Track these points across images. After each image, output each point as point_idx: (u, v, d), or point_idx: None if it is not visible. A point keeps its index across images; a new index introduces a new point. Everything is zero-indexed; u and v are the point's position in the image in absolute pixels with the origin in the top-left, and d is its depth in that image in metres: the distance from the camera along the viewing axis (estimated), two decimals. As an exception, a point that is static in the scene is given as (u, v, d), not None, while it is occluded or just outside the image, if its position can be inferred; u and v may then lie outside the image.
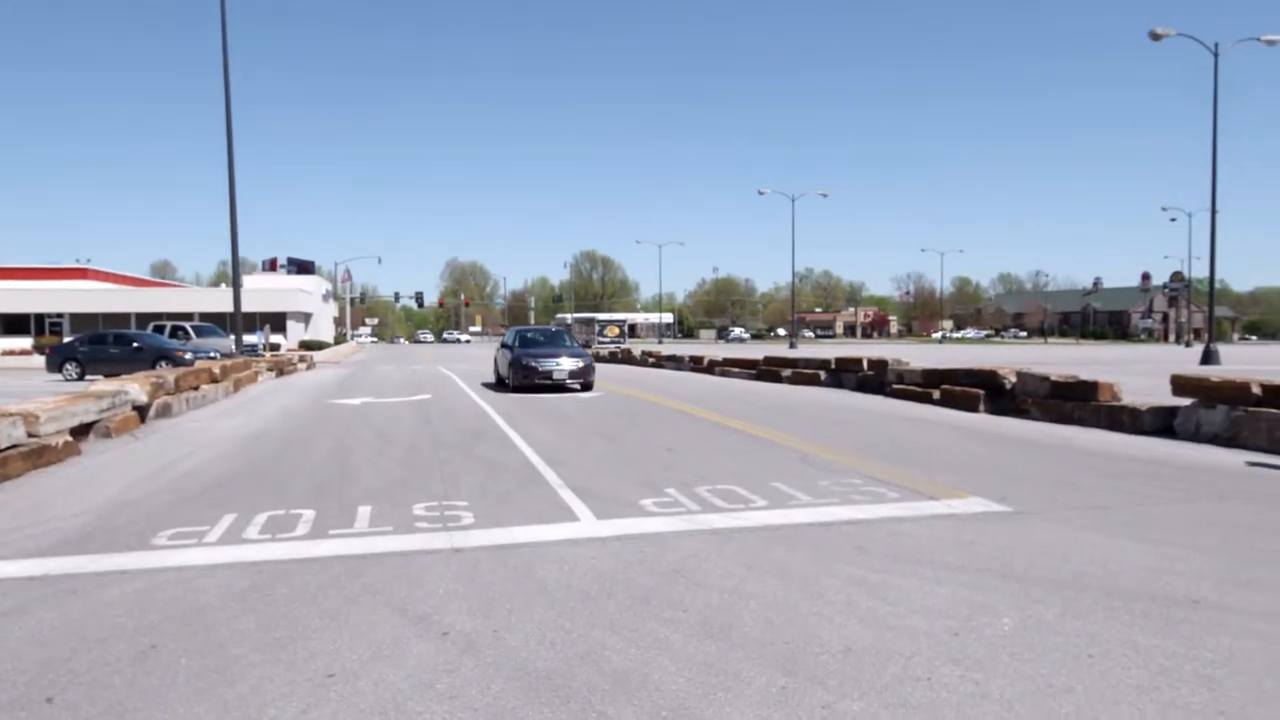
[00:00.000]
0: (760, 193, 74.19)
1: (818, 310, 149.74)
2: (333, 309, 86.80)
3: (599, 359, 42.39)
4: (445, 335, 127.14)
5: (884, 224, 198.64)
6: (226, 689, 3.97)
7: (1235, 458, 10.55)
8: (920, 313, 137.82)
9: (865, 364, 21.52)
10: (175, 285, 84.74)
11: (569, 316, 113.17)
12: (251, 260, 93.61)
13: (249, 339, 41.80)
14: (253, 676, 4.10)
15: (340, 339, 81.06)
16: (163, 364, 26.09)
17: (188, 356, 26.66)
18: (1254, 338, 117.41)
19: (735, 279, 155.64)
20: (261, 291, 63.62)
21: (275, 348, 46.79)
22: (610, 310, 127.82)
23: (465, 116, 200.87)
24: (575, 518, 7.37)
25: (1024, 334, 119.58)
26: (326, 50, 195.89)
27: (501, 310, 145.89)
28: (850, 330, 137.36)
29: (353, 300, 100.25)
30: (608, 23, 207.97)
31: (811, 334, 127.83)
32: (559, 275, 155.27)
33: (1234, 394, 11.82)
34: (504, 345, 22.90)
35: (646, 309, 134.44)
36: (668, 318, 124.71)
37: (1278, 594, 5.27)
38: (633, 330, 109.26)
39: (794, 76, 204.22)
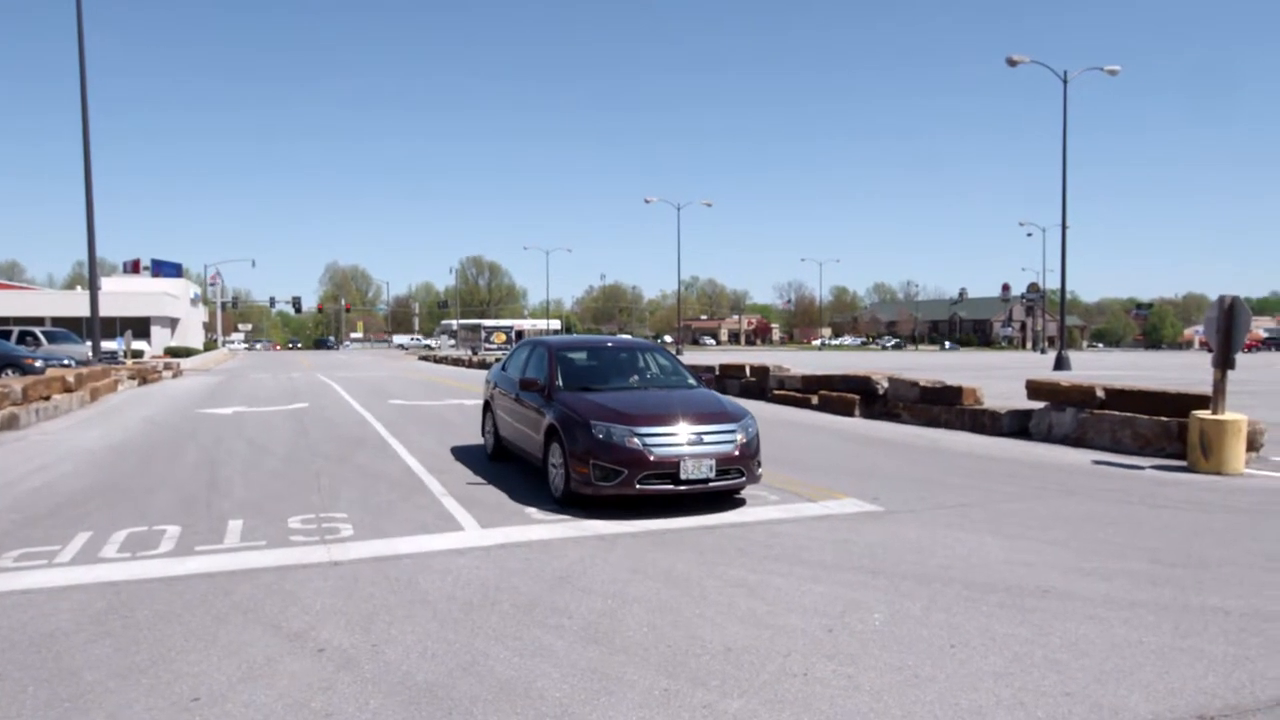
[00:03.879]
0: (646, 201, 74.98)
1: (703, 317, 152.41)
2: (202, 314, 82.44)
3: (484, 366, 41.87)
4: (324, 342, 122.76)
5: (767, 234, 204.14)
6: (80, 718, 3.73)
7: (1082, 456, 11.36)
8: (801, 320, 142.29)
9: (748, 370, 22.06)
10: (24, 287, 78.63)
11: (454, 323, 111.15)
12: (111, 261, 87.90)
13: (108, 345, 39.20)
14: (109, 704, 3.86)
15: (211, 345, 77.10)
16: (9, 372, 24.16)
17: (38, 364, 24.76)
18: (1100, 345, 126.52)
19: (623, 286, 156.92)
20: (122, 295, 59.76)
21: (138, 354, 44.06)
22: (497, 317, 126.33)
23: (345, 118, 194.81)
24: (459, 527, 7.26)
25: (897, 341, 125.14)
26: (194, 47, 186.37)
27: (384, 316, 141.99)
28: (735, 337, 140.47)
29: (224, 305, 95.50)
30: (493, 26, 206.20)
31: (712, 341, 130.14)
32: (445, 281, 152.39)
33: (1081, 397, 12.74)
34: (521, 378, 9.58)
35: (534, 315, 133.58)
36: (555, 324, 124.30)
37: (1117, 581, 5.72)
38: (520, 336, 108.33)
39: (678, 83, 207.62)
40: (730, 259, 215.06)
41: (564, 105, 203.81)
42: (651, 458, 7.41)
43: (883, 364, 36.41)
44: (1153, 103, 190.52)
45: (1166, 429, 11.31)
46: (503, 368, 10.84)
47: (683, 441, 7.55)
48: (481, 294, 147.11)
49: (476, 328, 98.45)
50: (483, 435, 11.45)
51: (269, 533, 7.01)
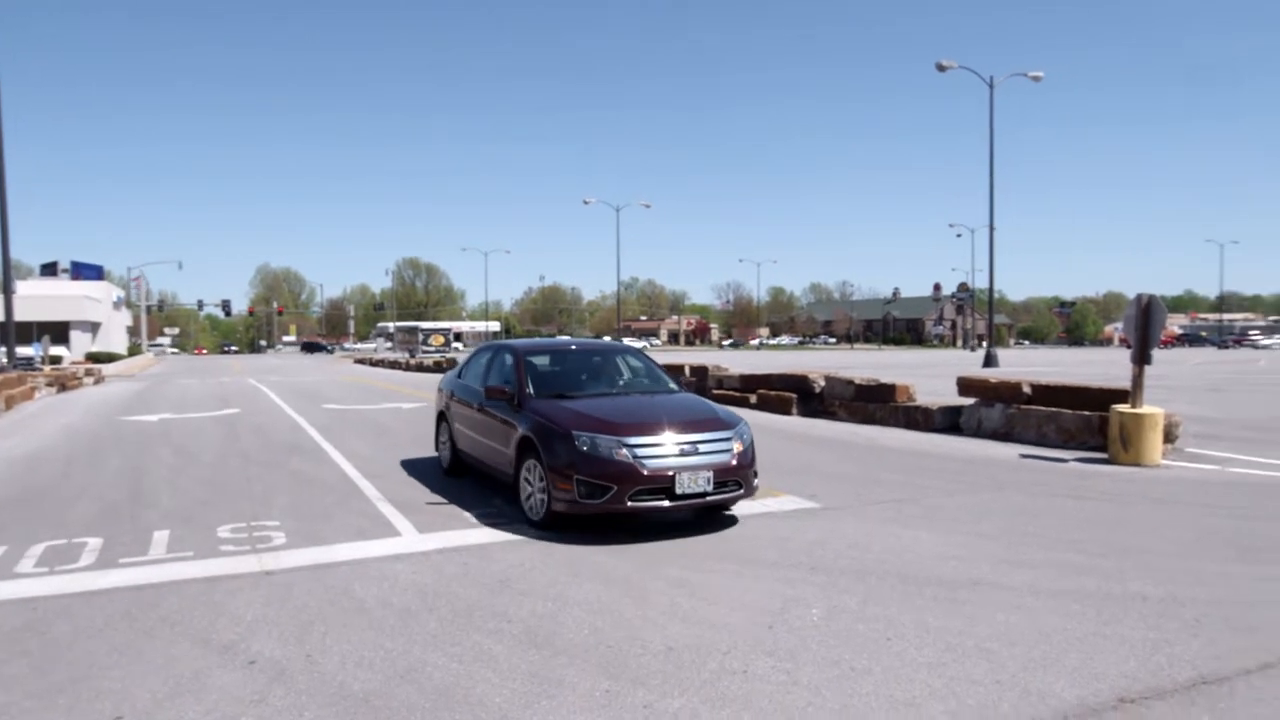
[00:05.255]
0: (585, 202, 74.90)
1: (643, 318, 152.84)
2: (126, 318, 79.55)
3: (422, 369, 41.30)
4: (256, 345, 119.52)
5: (705, 235, 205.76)
6: (-7, 742, 3.56)
7: (1010, 451, 11.71)
8: (739, 320, 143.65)
9: (688, 370, 22.17)
10: (-70, 291, 74.90)
11: (391, 325, 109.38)
12: (27, 263, 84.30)
13: (24, 351, 37.56)
14: (26, 725, 3.70)
15: (135, 350, 74.41)
16: (-86, 380, 22.95)
17: (-54, 371, 23.60)
18: (1027, 342, 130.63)
19: (562, 287, 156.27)
20: (39, 298, 57.28)
21: (56, 360, 42.27)
22: (435, 319, 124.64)
23: (275, 119, 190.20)
24: (396, 533, 7.14)
25: (833, 340, 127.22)
26: (116, 51, 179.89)
27: (318, 319, 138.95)
28: (674, 338, 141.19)
29: (149, 308, 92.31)
30: (425, 27, 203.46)
31: (651, 343, 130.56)
32: (380, 283, 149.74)
33: (1009, 394, 13.13)
34: (485, 386, 8.66)
35: (473, 317, 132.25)
36: (495, 326, 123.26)
37: (1044, 571, 5.91)
38: (459, 339, 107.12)
39: (615, 85, 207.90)
40: (669, 260, 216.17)
41: (501, 106, 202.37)
42: (643, 471, 6.64)
43: (819, 363, 36.98)
44: (1077, 106, 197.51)
45: (1089, 423, 11.72)
46: (459, 374, 9.94)
47: (676, 452, 6.82)
48: (419, 296, 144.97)
49: (414, 330, 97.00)
50: (437, 448, 10.32)
51: (197, 543, 6.80)
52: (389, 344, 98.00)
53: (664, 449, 6.82)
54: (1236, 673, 4.15)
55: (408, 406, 19.57)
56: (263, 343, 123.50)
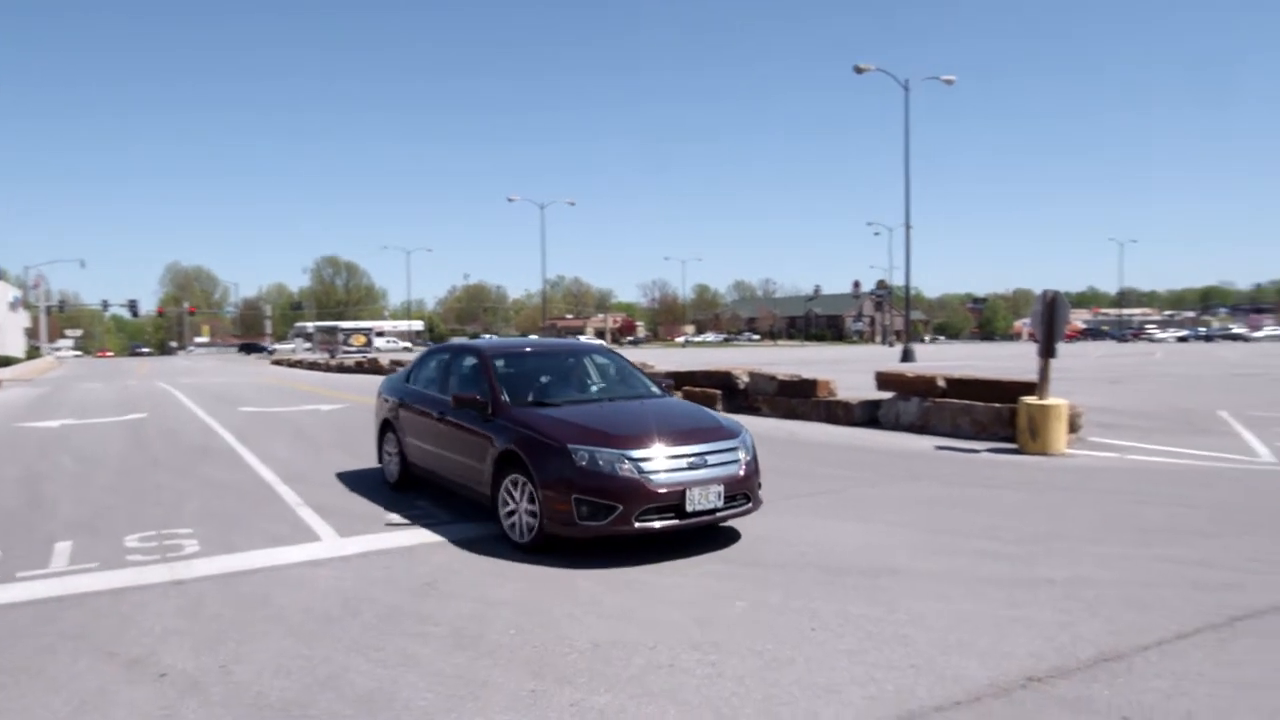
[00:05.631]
0: (509, 200, 74.28)
1: (569, 316, 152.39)
2: (24, 319, 75.49)
3: (344, 369, 40.34)
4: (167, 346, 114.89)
5: (631, 232, 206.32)
6: (-123, 770, 3.35)
7: (927, 442, 12.08)
8: (665, 318, 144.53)
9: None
10: None
11: (310, 325, 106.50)
12: (-90, 262, 79.11)
13: (-92, 355, 35.28)
14: (-86, 751, 3.49)
15: (34, 353, 70.73)
16: None
17: None
18: (942, 337, 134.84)
19: (487, 285, 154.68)
20: (-75, 299, 53.94)
21: (-56, 365, 39.89)
22: (356, 318, 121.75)
23: (184, 114, 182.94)
24: (316, 537, 6.97)
25: (757, 337, 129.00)
26: (8, 41, 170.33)
27: (232, 319, 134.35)
28: (600, 335, 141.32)
29: (49, 309, 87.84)
30: (347, 24, 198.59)
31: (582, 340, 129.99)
32: (298, 281, 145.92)
33: (924, 387, 13.54)
34: (455, 394, 7.52)
35: (395, 317, 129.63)
36: (418, 325, 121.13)
37: (959, 559, 6.12)
38: (381, 338, 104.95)
39: (537, 83, 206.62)
40: (595, 258, 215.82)
41: (422, 104, 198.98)
42: (651, 487, 6.01)
43: (743, 360, 37.44)
44: (990, 107, 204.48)
45: (999, 414, 12.17)
46: (407, 379, 9.04)
47: (684, 465, 6.22)
48: (339, 295, 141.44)
49: (334, 330, 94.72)
50: (380, 460, 9.39)
51: (102, 553, 6.51)
52: (308, 344, 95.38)
53: (671, 462, 6.18)
54: (1133, 649, 4.38)
55: (328, 408, 19.10)
56: (174, 344, 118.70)
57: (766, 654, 4.40)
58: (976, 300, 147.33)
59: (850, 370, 29.83)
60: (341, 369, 40.79)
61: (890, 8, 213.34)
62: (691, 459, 6.27)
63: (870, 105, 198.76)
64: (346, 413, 17.97)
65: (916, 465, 10.24)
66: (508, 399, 7.10)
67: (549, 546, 6.32)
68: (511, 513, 6.56)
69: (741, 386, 17.05)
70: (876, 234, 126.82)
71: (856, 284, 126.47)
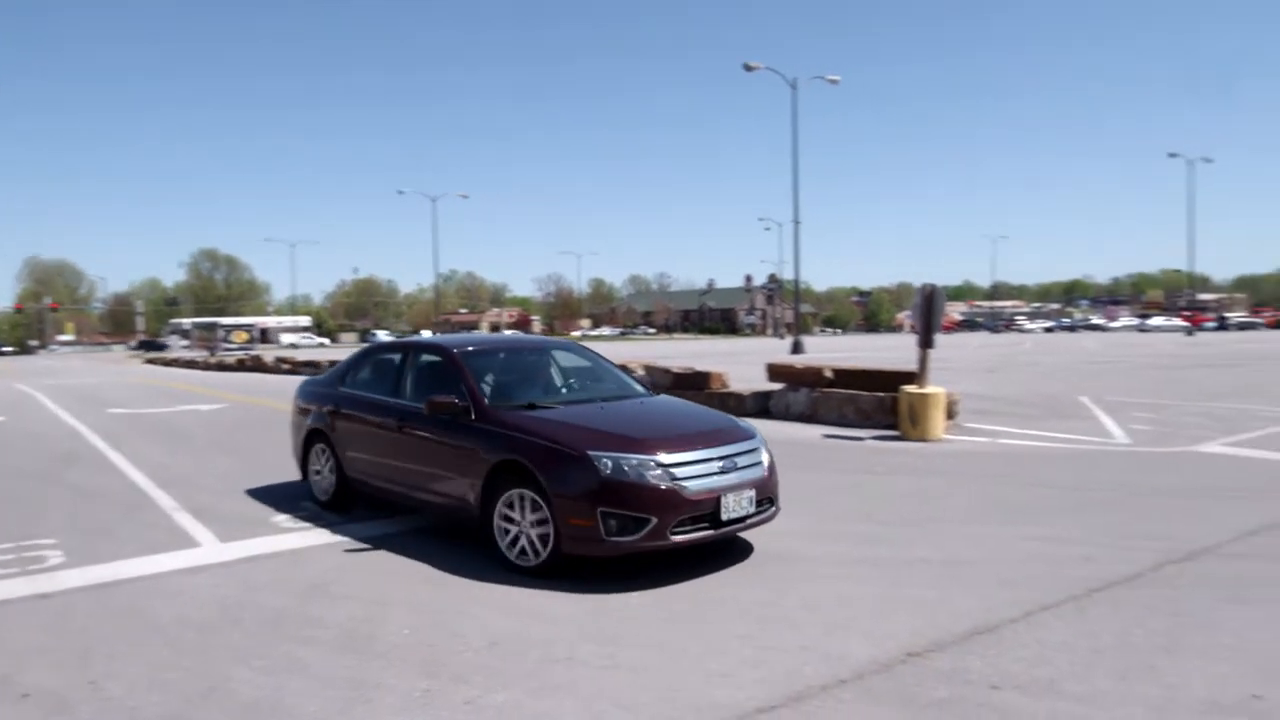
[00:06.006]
0: (399, 192, 72.58)
1: (463, 311, 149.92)
2: None
3: (224, 368, 38.56)
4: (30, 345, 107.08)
5: (525, 226, 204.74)
6: None
7: (815, 431, 12.48)
8: (561, 312, 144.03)
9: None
10: None
11: (187, 321, 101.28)
12: None
13: None
14: None
15: None
16: None
17: None
18: (830, 330, 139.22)
19: (377, 280, 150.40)
20: None
21: None
22: (238, 314, 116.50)
23: (41, 96, 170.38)
24: (195, 544, 6.67)
25: (652, 330, 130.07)
26: None
27: (100, 315, 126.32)
28: (496, 330, 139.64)
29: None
30: (228, 13, 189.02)
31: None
32: (173, 276, 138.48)
33: (813, 378, 13.98)
34: (432, 399, 6.39)
35: (280, 312, 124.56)
36: (304, 321, 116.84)
37: (845, 543, 6.37)
38: (265, 335, 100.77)
39: (430, 76, 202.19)
40: (489, 252, 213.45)
41: (309, 95, 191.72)
42: (686, 495, 5.45)
43: (639, 353, 37.72)
44: (874, 106, 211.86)
45: (882, 403, 12.68)
46: (338, 381, 7.92)
47: (716, 469, 5.69)
48: (218, 290, 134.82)
49: (213, 326, 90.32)
50: (306, 476, 8.09)
51: (-46, 569, 6.04)
52: (185, 342, 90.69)
53: (703, 466, 5.63)
54: (1003, 622, 4.66)
55: (208, 408, 18.24)
56: (34, 342, 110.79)
57: (662, 643, 4.48)
58: (862, 294, 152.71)
59: (742, 362, 30.44)
60: (223, 367, 38.98)
61: (783, 7, 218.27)
62: (722, 462, 5.75)
63: (761, 101, 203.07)
64: (227, 413, 17.21)
65: (805, 453, 10.57)
66: (488, 401, 6.36)
67: (563, 569, 5.55)
68: (513, 533, 5.74)
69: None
70: (767, 229, 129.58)
71: (749, 278, 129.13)
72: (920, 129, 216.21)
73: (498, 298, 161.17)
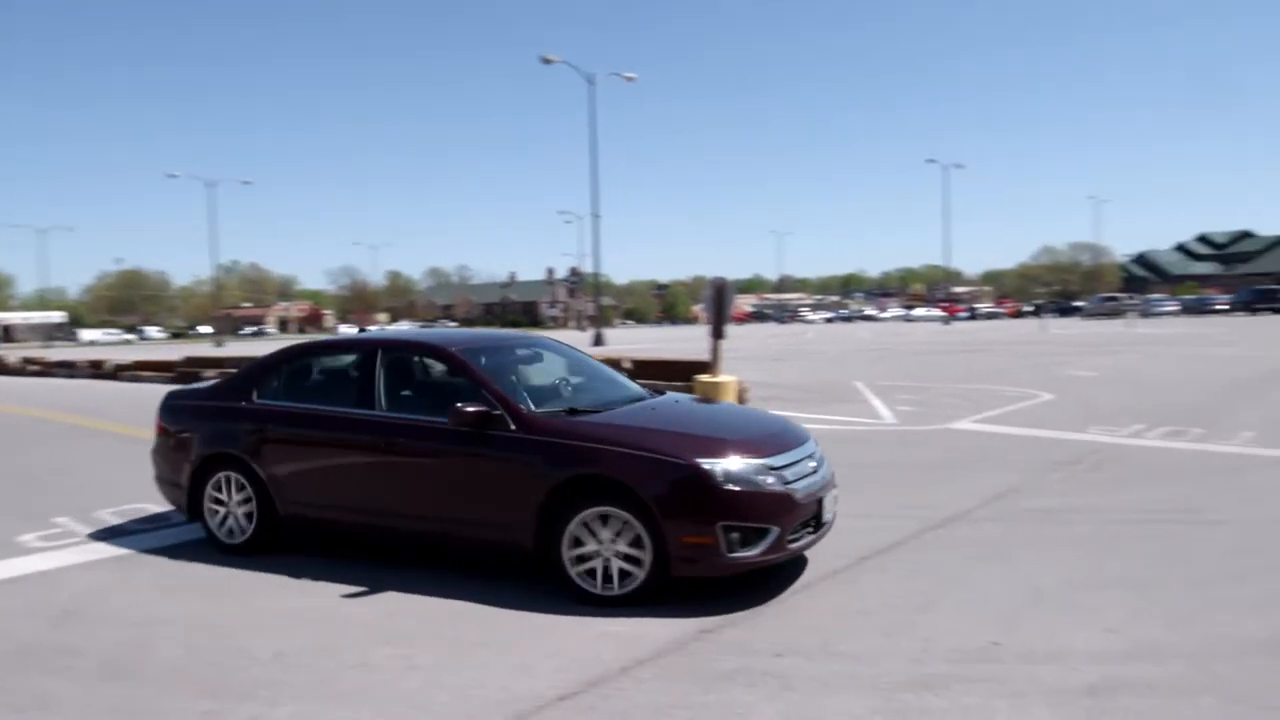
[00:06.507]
0: (171, 176, 66.56)
1: (247, 305, 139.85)
2: None
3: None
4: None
5: (315, 216, 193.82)
6: None
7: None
8: (356, 306, 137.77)
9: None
10: None
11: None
12: None
13: None
14: None
15: None
16: None
17: None
18: (631, 322, 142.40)
19: (145, 272, 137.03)
20: None
21: None
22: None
23: None
24: (-82, 573, 5.83)
25: (454, 324, 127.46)
26: None
27: None
28: (284, 326, 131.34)
29: None
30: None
31: (272, 330, 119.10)
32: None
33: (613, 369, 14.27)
34: (461, 407, 5.24)
35: (28, 307, 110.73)
36: (58, 316, 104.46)
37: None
38: (9, 333, 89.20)
39: (206, 61, 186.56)
40: (277, 243, 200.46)
41: (59, 67, 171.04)
42: (798, 498, 5.03)
43: (440, 347, 36.96)
44: (669, 102, 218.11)
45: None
46: (246, 392, 6.33)
47: (811, 469, 5.30)
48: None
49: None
50: (203, 515, 6.28)
51: None
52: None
53: (802, 467, 5.23)
54: (788, 594, 5.00)
55: (-68, 418, 15.92)
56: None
57: (458, 640, 4.44)
58: (660, 287, 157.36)
59: (546, 355, 30.48)
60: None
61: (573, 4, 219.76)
62: (814, 461, 5.40)
63: (562, 96, 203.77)
64: (-41, 422, 15.11)
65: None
66: (532, 408, 5.46)
67: (654, 594, 4.87)
68: (588, 559, 4.95)
69: (436, 375, 16.80)
70: (568, 222, 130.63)
71: (550, 271, 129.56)
72: (714, 124, 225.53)
73: (286, 290, 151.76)
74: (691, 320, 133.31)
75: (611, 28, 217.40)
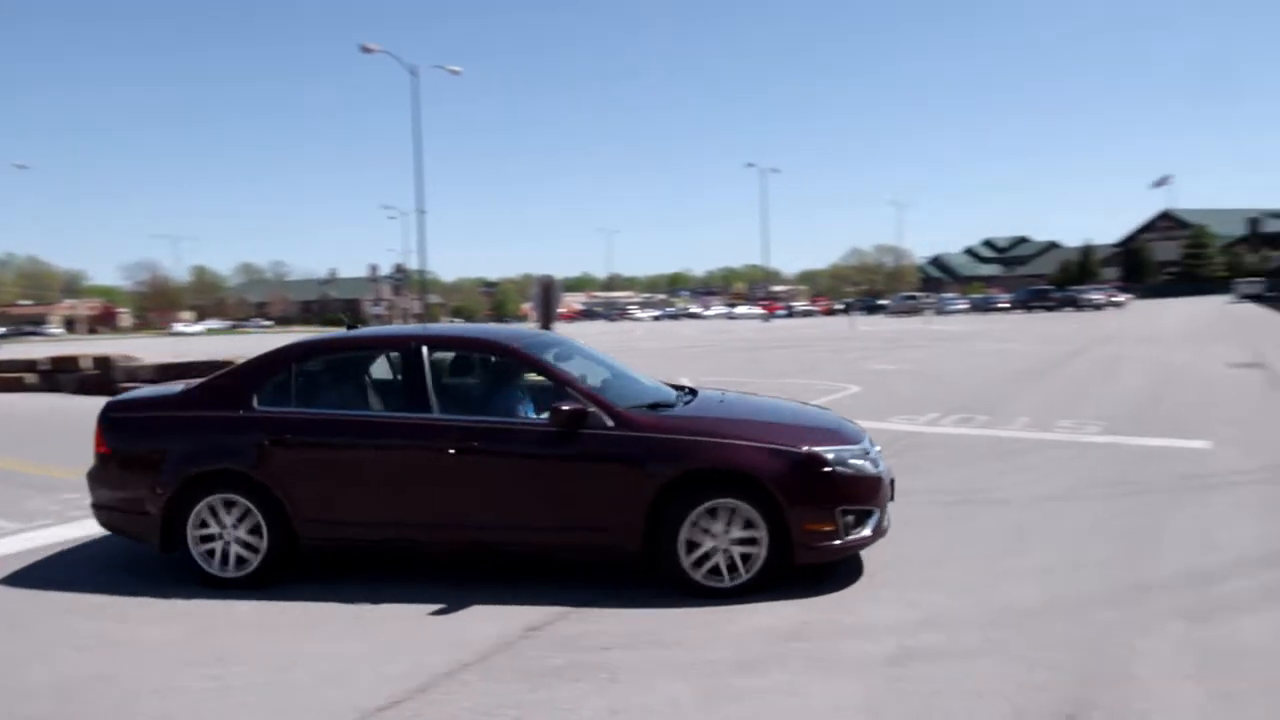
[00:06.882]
0: (-75, 155, 58.61)
1: (24, 303, 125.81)
2: None
3: None
4: None
5: (107, 208, 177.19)
6: None
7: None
8: (157, 304, 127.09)
9: (92, 362, 19.09)
10: None
11: None
12: None
13: None
14: None
15: None
16: None
17: None
18: (460, 320, 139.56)
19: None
20: None
21: None
22: None
23: None
24: None
25: (269, 323, 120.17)
26: None
27: None
28: (71, 325, 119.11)
29: None
30: None
31: (57, 330, 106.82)
32: None
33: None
34: (562, 407, 5.01)
35: None
36: None
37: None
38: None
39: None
40: (61, 235, 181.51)
41: None
42: (886, 480, 5.26)
43: (252, 348, 34.66)
44: (495, 97, 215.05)
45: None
46: (244, 398, 5.46)
47: (880, 453, 5.50)
48: None
49: None
50: (187, 548, 5.32)
51: None
52: None
53: (876, 452, 5.40)
54: (616, 589, 5.09)
55: None
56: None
57: (273, 655, 4.22)
58: (489, 284, 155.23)
59: (369, 355, 29.38)
60: None
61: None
62: (878, 446, 5.58)
63: (383, 88, 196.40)
64: None
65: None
66: (623, 406, 5.23)
67: (767, 583, 4.89)
68: (703, 552, 4.90)
69: (248, 377, 15.80)
70: (392, 218, 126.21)
71: (373, 268, 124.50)
72: (544, 121, 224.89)
73: (72, 286, 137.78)
74: (521, 318, 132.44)
75: (439, 22, 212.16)
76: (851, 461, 5.07)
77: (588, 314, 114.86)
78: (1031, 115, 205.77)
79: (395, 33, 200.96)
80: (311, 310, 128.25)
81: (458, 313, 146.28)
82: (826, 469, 4.96)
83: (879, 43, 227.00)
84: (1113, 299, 60.50)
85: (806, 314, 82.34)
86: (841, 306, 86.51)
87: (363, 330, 6.46)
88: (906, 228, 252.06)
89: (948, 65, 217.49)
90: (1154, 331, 29.74)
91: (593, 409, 5.07)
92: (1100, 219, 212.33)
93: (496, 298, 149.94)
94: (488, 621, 4.58)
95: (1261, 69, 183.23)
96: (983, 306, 66.07)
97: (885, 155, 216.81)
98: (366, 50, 36.04)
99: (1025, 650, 4.06)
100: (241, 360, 6.15)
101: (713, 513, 4.90)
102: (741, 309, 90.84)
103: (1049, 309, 58.88)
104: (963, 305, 68.00)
